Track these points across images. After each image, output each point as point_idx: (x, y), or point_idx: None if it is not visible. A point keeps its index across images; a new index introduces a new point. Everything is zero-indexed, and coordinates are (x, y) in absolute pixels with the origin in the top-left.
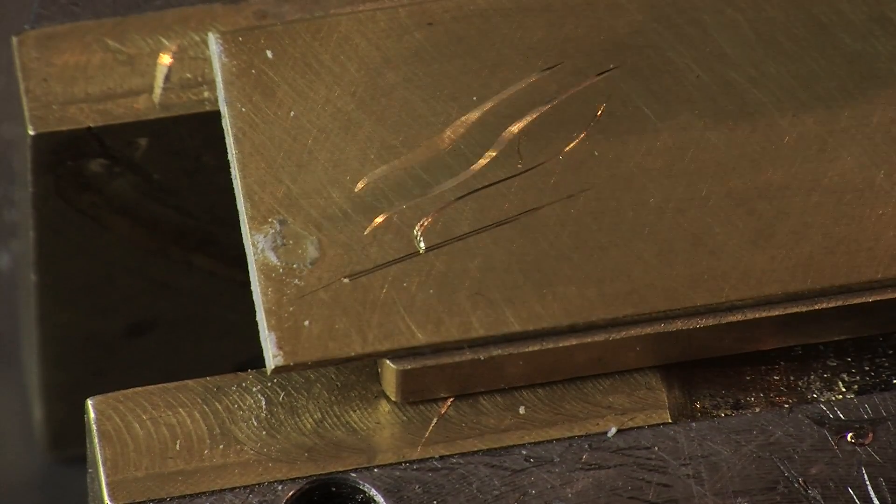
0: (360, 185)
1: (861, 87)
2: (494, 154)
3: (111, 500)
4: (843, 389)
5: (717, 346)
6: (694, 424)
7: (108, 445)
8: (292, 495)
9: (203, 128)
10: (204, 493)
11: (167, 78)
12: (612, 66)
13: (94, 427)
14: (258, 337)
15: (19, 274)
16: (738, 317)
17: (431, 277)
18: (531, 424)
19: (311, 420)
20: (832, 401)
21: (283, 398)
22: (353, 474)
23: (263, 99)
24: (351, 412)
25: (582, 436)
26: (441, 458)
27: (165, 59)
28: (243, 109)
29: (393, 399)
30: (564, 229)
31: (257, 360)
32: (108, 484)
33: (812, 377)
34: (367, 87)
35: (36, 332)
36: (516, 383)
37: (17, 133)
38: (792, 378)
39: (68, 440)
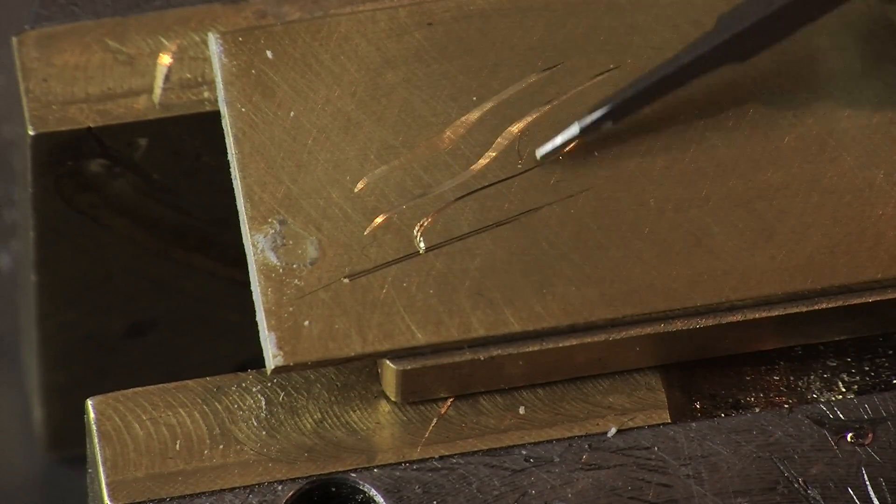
0: (360, 185)
1: (861, 87)
2: (494, 154)
3: (111, 500)
4: (843, 389)
5: (717, 346)
6: (694, 424)
7: (108, 445)
8: (292, 495)
9: (203, 128)
10: (204, 493)
11: (167, 78)
12: (612, 66)
13: (94, 427)
14: (258, 337)
15: (19, 274)
16: (738, 317)
17: (431, 277)
18: (531, 424)
19: (311, 420)
20: (832, 401)
21: (283, 398)
22: (353, 474)
23: (263, 99)
24: (351, 412)
25: (582, 436)
26: (441, 458)
27: (165, 59)
28: (243, 109)
29: (393, 399)
30: (564, 229)
31: (257, 360)
32: (108, 484)
33: (812, 377)
34: (367, 87)
35: (36, 332)
36: (516, 383)
37: (17, 133)
38: (792, 378)
39: (68, 440)
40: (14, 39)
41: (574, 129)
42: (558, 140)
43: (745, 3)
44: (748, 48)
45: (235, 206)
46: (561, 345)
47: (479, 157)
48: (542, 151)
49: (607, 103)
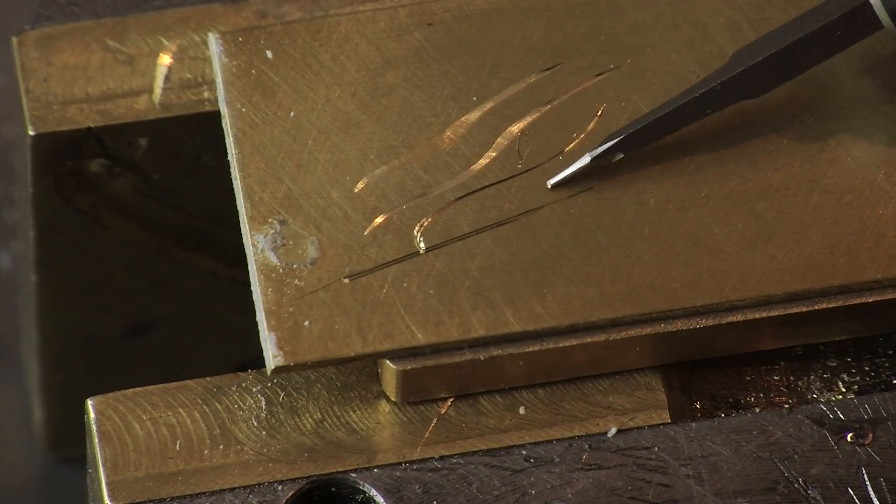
0: (360, 185)
1: (861, 86)
2: (494, 154)
3: (111, 500)
4: (843, 389)
5: (717, 346)
6: (694, 424)
7: (108, 445)
8: (292, 495)
9: (203, 128)
10: (204, 493)
11: (167, 78)
12: (612, 66)
13: (94, 427)
14: (258, 337)
15: (19, 274)
16: (738, 317)
17: (431, 277)
18: (531, 424)
19: (311, 420)
20: (832, 401)
21: (283, 398)
22: (353, 474)
23: (263, 99)
24: (351, 412)
25: (582, 436)
26: (441, 458)
27: (165, 59)
28: (243, 109)
29: (393, 399)
30: (564, 229)
31: (257, 360)
32: (108, 484)
33: (812, 377)
34: (367, 87)
35: (36, 332)
36: (516, 383)
37: (17, 133)
38: (792, 378)
39: (68, 440)
40: (14, 39)
41: (585, 160)
42: (569, 171)
43: (758, 39)
44: (761, 84)
45: (235, 206)
46: (561, 345)
47: (479, 157)
48: (553, 181)
49: (618, 135)
